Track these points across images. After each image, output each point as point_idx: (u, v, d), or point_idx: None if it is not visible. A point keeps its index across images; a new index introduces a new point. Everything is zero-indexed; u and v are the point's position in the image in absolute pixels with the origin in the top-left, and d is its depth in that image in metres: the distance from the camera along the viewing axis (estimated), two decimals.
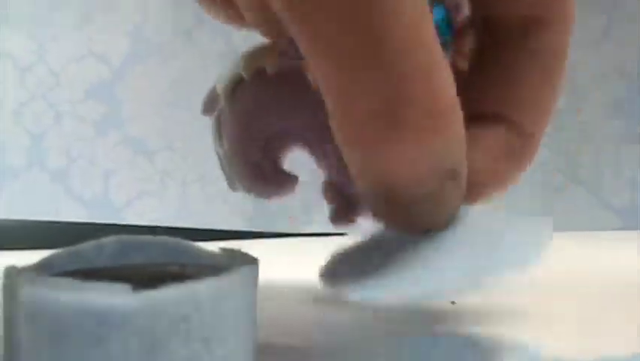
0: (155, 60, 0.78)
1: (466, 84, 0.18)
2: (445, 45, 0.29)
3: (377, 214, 0.19)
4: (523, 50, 0.18)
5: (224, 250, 0.24)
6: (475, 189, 0.19)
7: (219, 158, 0.28)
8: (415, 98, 0.15)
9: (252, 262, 0.22)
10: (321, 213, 0.83)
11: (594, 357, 0.23)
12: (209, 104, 0.28)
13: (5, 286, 0.19)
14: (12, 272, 0.19)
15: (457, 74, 0.17)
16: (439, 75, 0.16)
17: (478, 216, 0.22)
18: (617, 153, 0.81)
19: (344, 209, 0.26)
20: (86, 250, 0.21)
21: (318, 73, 0.16)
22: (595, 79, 0.81)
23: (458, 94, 0.16)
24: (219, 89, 0.27)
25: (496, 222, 0.23)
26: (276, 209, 0.81)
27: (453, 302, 0.33)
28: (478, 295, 0.37)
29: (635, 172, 0.80)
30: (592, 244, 0.69)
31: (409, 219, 0.18)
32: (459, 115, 0.16)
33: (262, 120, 0.25)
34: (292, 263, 0.54)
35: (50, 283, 0.16)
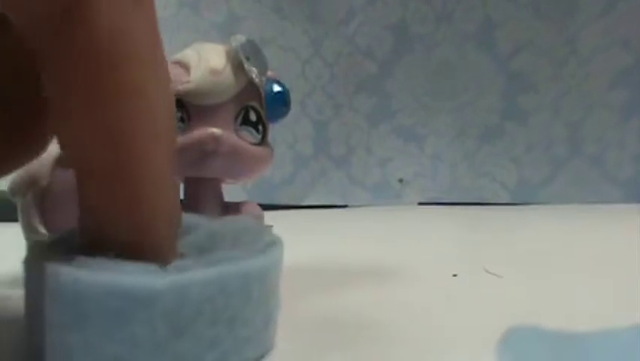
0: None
1: None
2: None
3: None
4: None
5: (251, 224, 0.23)
6: None
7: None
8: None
9: (278, 241, 0.21)
10: (320, 186, 0.83)
11: (596, 328, 0.23)
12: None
13: (29, 262, 0.19)
14: (36, 248, 0.18)
15: None
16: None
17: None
18: (620, 125, 0.80)
19: None
20: None
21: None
22: (599, 50, 0.80)
23: None
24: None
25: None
26: (276, 182, 0.81)
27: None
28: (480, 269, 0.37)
29: (639, 145, 0.80)
30: (595, 216, 0.68)
31: None
32: None
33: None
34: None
35: (76, 262, 0.16)
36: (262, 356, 0.21)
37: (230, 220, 0.24)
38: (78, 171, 0.16)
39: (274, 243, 0.21)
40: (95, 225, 0.17)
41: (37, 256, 0.17)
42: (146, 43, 0.16)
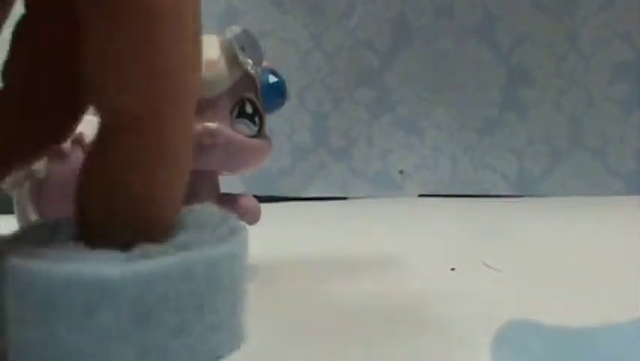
0: None
1: None
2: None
3: None
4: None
5: (214, 214, 0.23)
6: None
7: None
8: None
9: (242, 228, 0.21)
10: (319, 178, 0.83)
11: (595, 322, 0.23)
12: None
13: None
14: (2, 244, 0.18)
15: None
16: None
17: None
18: (621, 117, 0.80)
19: None
20: (57, 222, 0.20)
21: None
22: (600, 43, 0.80)
23: None
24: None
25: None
26: (275, 174, 0.81)
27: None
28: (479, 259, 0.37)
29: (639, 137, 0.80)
30: (596, 208, 0.68)
31: None
32: None
33: None
34: (289, 228, 0.54)
35: (37, 254, 0.16)
36: (233, 345, 0.20)
37: (192, 208, 0.24)
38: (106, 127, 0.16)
39: (238, 229, 0.21)
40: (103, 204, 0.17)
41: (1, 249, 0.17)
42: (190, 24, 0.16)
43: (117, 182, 0.17)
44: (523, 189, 0.81)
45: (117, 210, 0.17)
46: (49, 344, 0.16)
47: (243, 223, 0.21)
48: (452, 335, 0.24)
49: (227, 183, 0.34)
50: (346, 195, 0.82)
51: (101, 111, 0.16)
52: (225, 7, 0.78)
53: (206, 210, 0.23)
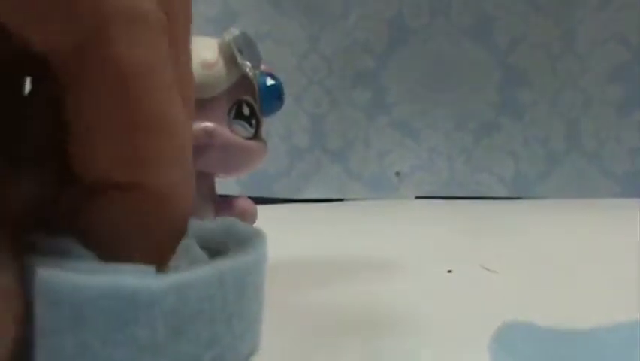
0: None
1: None
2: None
3: None
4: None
5: (233, 223, 0.23)
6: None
7: None
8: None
9: (263, 234, 0.21)
10: (316, 179, 0.83)
11: (591, 324, 0.23)
12: None
13: None
14: None
15: None
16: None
17: None
18: (618, 119, 0.80)
19: None
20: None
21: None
22: (596, 45, 0.80)
23: None
24: None
25: None
26: (272, 175, 0.81)
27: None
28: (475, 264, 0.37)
29: (636, 139, 0.80)
30: (592, 210, 0.68)
31: None
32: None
33: None
34: (289, 229, 0.54)
35: (70, 267, 0.16)
36: (252, 352, 0.21)
37: (215, 219, 0.25)
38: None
39: (260, 235, 0.21)
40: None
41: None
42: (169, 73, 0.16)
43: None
44: (519, 191, 0.81)
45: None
46: (80, 355, 0.15)
47: (262, 230, 0.22)
48: (449, 336, 0.24)
49: (223, 185, 0.34)
50: (342, 197, 0.82)
51: (86, 178, 0.16)
52: (221, 9, 0.78)
53: (229, 220, 0.23)
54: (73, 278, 0.15)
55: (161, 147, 0.16)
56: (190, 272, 0.17)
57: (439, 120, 0.83)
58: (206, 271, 0.17)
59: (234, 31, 0.31)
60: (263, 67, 0.32)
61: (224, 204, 0.33)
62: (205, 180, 0.32)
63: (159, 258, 0.17)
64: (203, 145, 0.30)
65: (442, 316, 0.27)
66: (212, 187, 0.33)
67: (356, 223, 0.63)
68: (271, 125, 0.32)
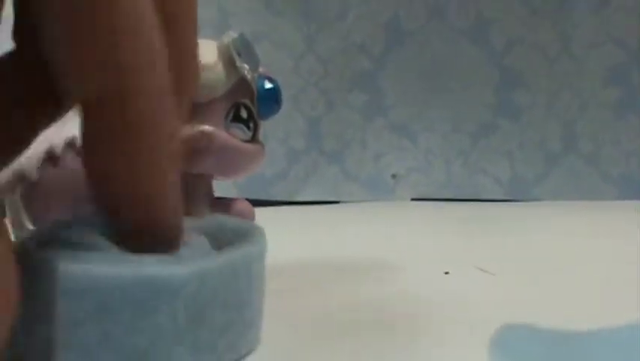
0: None
1: None
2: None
3: None
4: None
5: (229, 219, 0.24)
6: None
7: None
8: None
9: (261, 229, 0.22)
10: (313, 182, 0.83)
11: (589, 326, 0.23)
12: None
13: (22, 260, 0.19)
14: (30, 247, 0.17)
15: None
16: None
17: None
18: (615, 122, 0.80)
19: None
20: (77, 220, 0.20)
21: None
22: (593, 47, 0.80)
23: None
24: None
25: None
26: (268, 178, 0.80)
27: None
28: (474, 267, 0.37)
29: (633, 141, 0.80)
30: (589, 213, 0.68)
31: None
32: None
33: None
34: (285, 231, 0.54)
35: (93, 259, 0.16)
36: (257, 341, 0.21)
37: (215, 215, 0.25)
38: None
39: (260, 229, 0.22)
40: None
41: (36, 256, 0.17)
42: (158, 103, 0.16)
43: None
44: (516, 193, 0.81)
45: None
46: (103, 344, 0.16)
47: (259, 226, 0.22)
48: (446, 339, 0.24)
49: (221, 187, 0.34)
50: (339, 199, 0.82)
51: (75, 96, 0.16)
52: (217, 11, 0.78)
53: (228, 217, 0.24)
54: (96, 270, 0.16)
55: (137, 49, 0.16)
56: (209, 260, 0.18)
57: (435, 122, 0.83)
58: (222, 259, 0.18)
59: (233, 34, 0.31)
60: (261, 70, 0.32)
61: (221, 206, 0.33)
62: (203, 182, 0.32)
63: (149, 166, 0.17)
64: (201, 148, 0.30)
65: (439, 317, 0.27)
66: (209, 189, 0.33)
67: (353, 225, 0.63)
68: (268, 127, 0.32)
